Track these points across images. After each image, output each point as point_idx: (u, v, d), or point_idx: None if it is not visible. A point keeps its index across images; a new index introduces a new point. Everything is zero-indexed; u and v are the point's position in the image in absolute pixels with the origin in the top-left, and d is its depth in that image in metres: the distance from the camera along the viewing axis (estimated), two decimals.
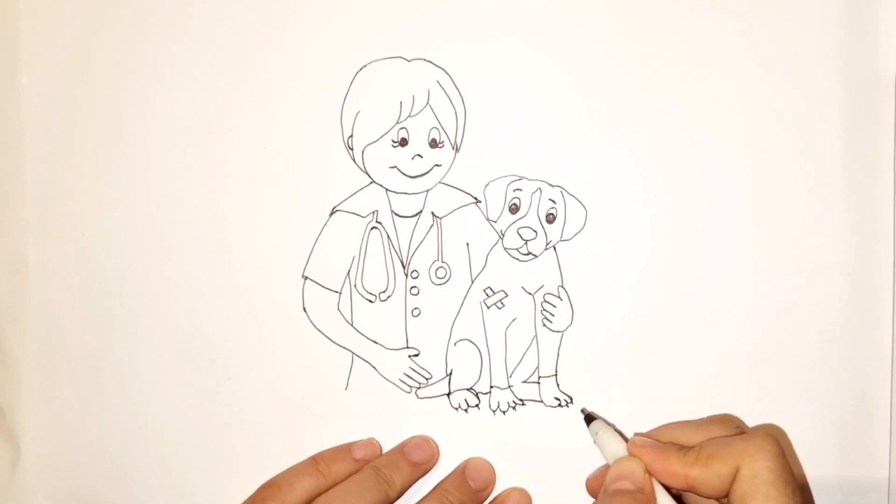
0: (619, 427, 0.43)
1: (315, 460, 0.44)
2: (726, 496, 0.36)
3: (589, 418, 0.42)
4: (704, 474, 0.37)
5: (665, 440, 0.40)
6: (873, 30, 0.43)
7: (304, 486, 0.42)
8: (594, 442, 0.41)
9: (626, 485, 0.38)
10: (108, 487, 0.47)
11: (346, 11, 0.44)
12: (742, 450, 0.36)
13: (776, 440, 0.36)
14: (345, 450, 0.44)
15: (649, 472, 0.38)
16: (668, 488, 0.38)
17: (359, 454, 0.44)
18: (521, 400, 0.45)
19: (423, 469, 0.44)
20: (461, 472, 0.44)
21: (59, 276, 0.46)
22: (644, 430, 0.43)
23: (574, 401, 0.45)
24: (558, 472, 0.44)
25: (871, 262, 0.43)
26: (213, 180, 0.45)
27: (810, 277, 0.44)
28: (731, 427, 0.40)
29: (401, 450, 0.44)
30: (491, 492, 0.44)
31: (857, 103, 0.43)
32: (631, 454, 0.39)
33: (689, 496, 0.40)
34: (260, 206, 0.45)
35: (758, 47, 0.43)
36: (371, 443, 0.44)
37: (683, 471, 0.37)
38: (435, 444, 0.45)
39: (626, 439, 0.41)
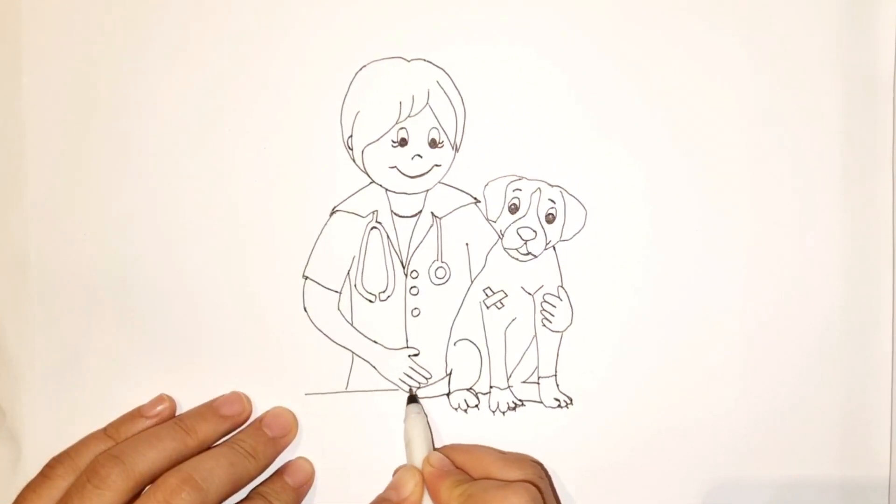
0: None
1: (177, 420, 0.43)
2: None
3: (412, 399, 0.44)
4: None
5: (464, 460, 0.42)
6: (871, 31, 0.43)
7: (166, 453, 0.41)
8: (404, 420, 0.44)
9: (392, 495, 0.41)
10: None
11: (346, 11, 0.44)
12: (494, 499, 0.38)
13: (531, 496, 0.38)
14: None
15: (428, 489, 0.41)
16: None
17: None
18: (520, 400, 0.45)
19: (232, 422, 0.44)
20: (258, 422, 0.44)
21: (60, 276, 0.46)
22: (643, 428, 0.43)
23: (574, 401, 0.45)
24: (557, 472, 0.44)
25: (871, 262, 0.43)
26: (213, 180, 0.45)
27: (810, 277, 0.44)
28: (526, 471, 0.41)
29: (210, 404, 0.44)
30: (291, 439, 0.45)
31: (855, 104, 0.43)
32: (423, 466, 0.42)
33: None
34: (260, 207, 0.45)
35: (756, 48, 0.43)
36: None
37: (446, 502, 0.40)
38: (247, 398, 0.45)
39: (434, 442, 0.44)
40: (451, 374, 0.45)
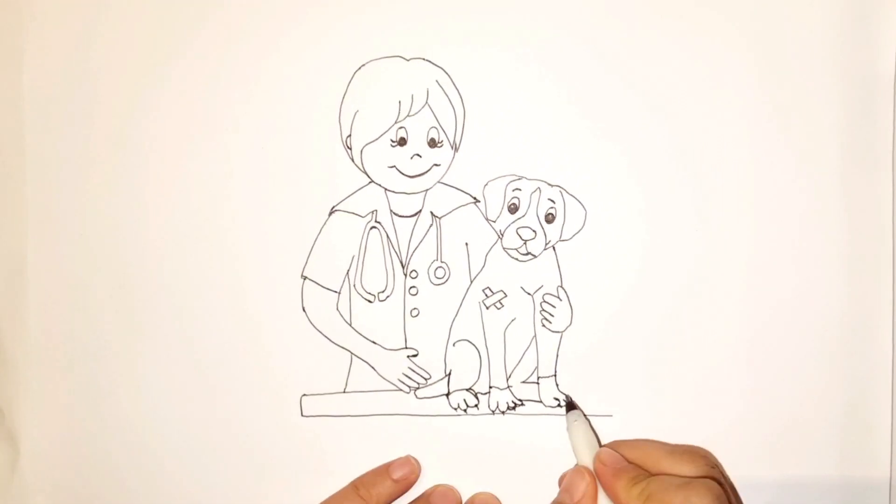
0: (615, 424, 0.44)
1: (355, 486, 0.44)
2: None
3: (570, 406, 0.44)
4: None
5: (635, 455, 0.41)
6: (872, 30, 0.43)
7: None
8: (567, 429, 0.43)
9: (566, 498, 0.41)
10: (108, 488, 0.47)
11: (345, 11, 0.44)
12: (676, 499, 0.37)
13: (714, 495, 0.37)
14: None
15: (603, 487, 0.41)
16: None
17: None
18: (520, 400, 0.45)
19: (403, 485, 0.44)
20: (427, 497, 0.44)
21: (59, 276, 0.46)
22: (643, 428, 0.43)
23: (573, 401, 0.45)
24: (557, 472, 0.44)
25: (871, 261, 0.43)
26: (212, 180, 0.45)
27: (810, 277, 0.44)
28: (699, 465, 0.40)
29: (384, 468, 0.44)
30: None
31: (855, 103, 0.43)
32: (594, 465, 0.41)
33: None
34: (259, 206, 0.45)
35: (756, 48, 0.43)
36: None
37: (625, 502, 0.39)
38: (416, 461, 0.45)
39: (599, 442, 0.43)
40: (450, 374, 0.45)
